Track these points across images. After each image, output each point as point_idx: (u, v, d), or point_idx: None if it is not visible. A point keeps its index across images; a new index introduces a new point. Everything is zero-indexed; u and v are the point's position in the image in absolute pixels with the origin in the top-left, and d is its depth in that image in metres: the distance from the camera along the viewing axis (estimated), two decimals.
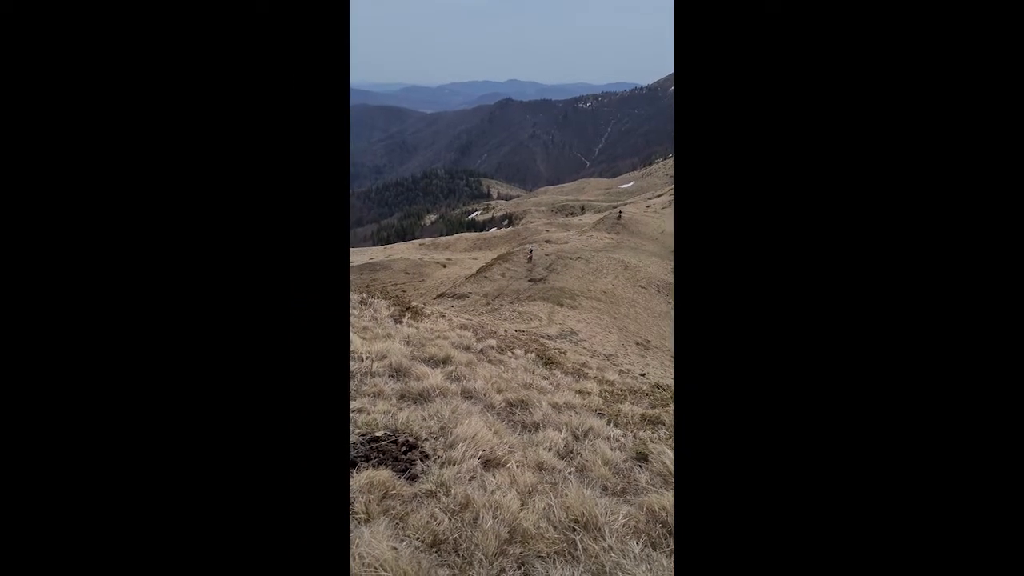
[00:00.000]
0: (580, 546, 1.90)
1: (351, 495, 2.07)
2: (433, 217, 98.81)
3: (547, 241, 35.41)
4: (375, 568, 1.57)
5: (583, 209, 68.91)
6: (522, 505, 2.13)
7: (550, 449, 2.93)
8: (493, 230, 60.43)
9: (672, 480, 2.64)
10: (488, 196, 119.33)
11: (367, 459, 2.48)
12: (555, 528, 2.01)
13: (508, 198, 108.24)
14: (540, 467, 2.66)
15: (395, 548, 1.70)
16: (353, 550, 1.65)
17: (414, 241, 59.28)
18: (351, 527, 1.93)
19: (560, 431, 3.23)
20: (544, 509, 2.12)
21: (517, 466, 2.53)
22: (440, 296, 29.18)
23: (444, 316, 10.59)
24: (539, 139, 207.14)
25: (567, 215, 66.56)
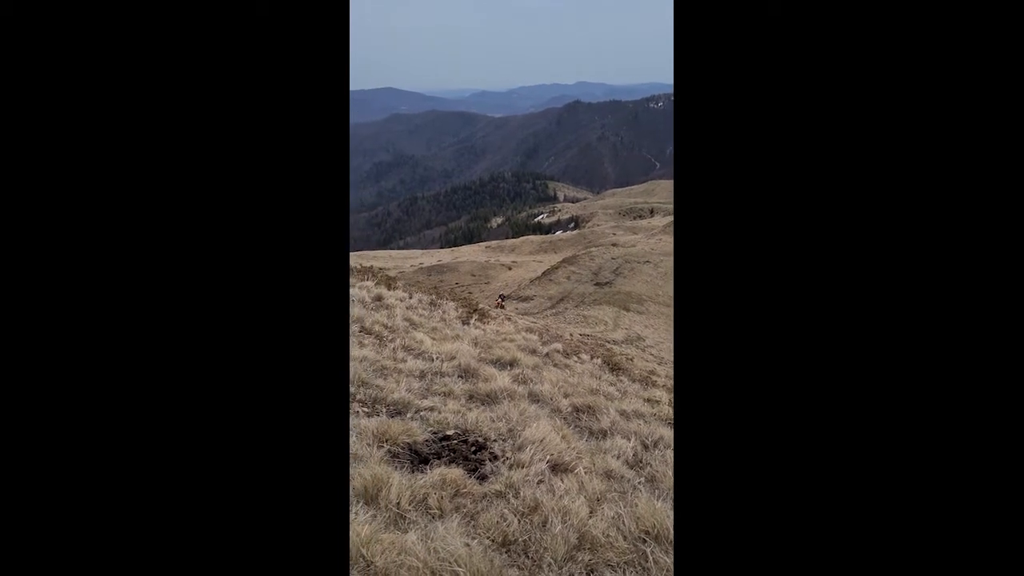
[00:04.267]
0: (651, 558, 1.87)
1: (424, 490, 2.15)
2: (499, 220, 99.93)
3: (614, 244, 34.85)
4: (450, 563, 1.63)
5: (652, 212, 67.22)
6: (591, 512, 2.12)
7: (618, 457, 2.89)
8: (559, 233, 60.25)
9: None
10: (554, 199, 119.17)
11: (439, 456, 2.57)
12: (625, 538, 1.98)
13: (575, 201, 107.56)
14: (608, 475, 2.64)
15: (468, 545, 1.75)
16: (428, 544, 1.72)
17: (480, 244, 60.18)
18: (424, 521, 2.00)
19: (629, 439, 3.18)
20: (613, 518, 2.10)
21: (585, 472, 2.52)
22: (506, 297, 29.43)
23: (509, 319, 10.70)
24: (608, 141, 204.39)
25: (635, 218, 65.19)
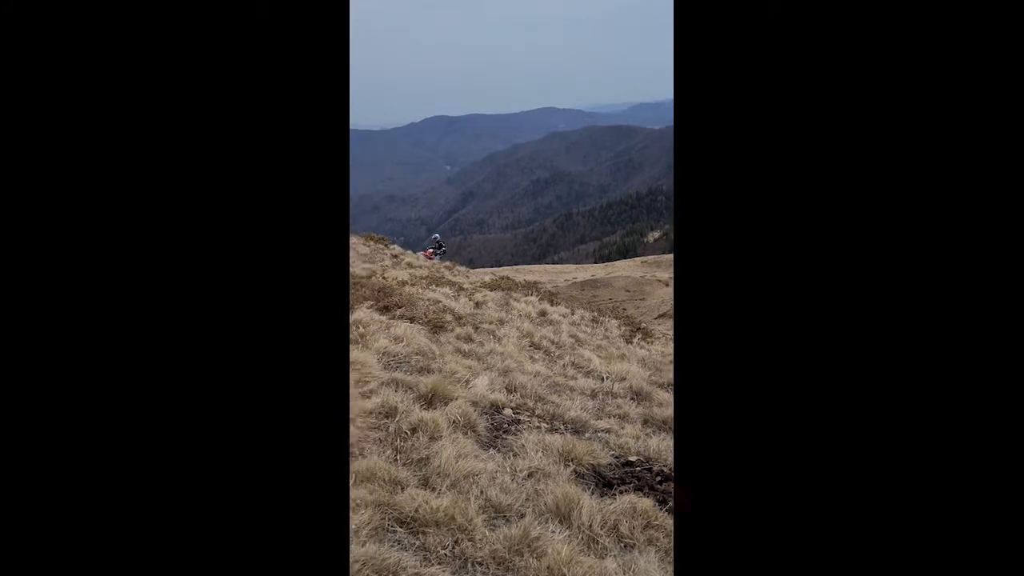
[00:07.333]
0: None
1: (615, 516, 2.13)
2: (656, 234, 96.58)
3: None
4: None
5: None
6: None
7: None
8: None
9: None
10: None
11: (623, 482, 2.53)
12: None
13: None
14: None
15: None
16: (629, 575, 1.69)
17: (636, 259, 58.69)
18: (617, 549, 1.98)
19: None
20: None
21: None
22: (662, 316, 28.20)
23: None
24: None
25: None
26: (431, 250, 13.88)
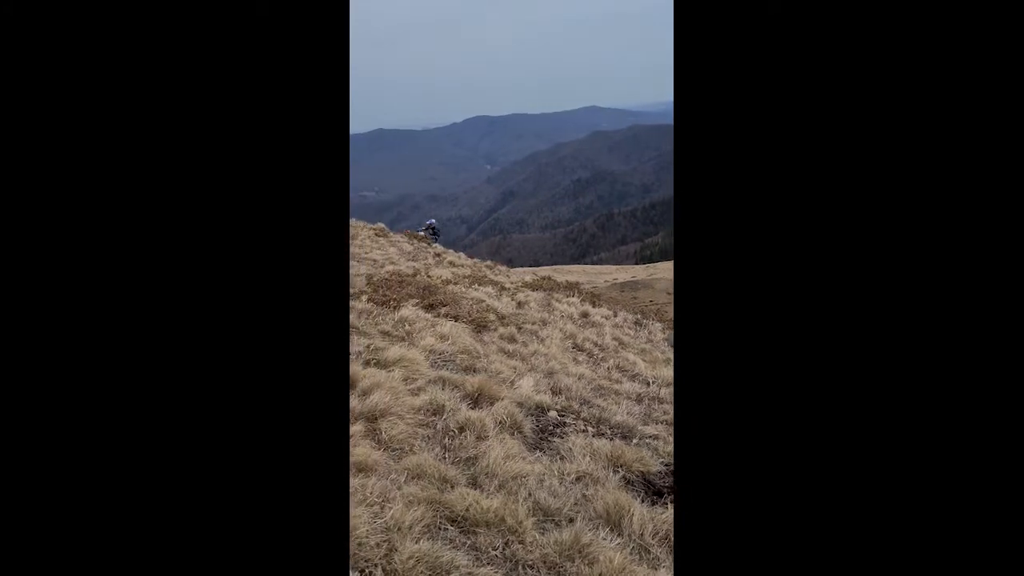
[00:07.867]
0: None
1: (666, 526, 2.09)
2: None
3: None
4: None
5: None
6: None
7: None
8: None
9: None
10: None
11: (672, 492, 2.47)
12: None
13: None
14: None
15: None
16: None
17: None
18: (670, 560, 1.93)
19: None
20: None
21: None
22: None
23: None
24: None
25: None
26: (421, 233, 14.34)
